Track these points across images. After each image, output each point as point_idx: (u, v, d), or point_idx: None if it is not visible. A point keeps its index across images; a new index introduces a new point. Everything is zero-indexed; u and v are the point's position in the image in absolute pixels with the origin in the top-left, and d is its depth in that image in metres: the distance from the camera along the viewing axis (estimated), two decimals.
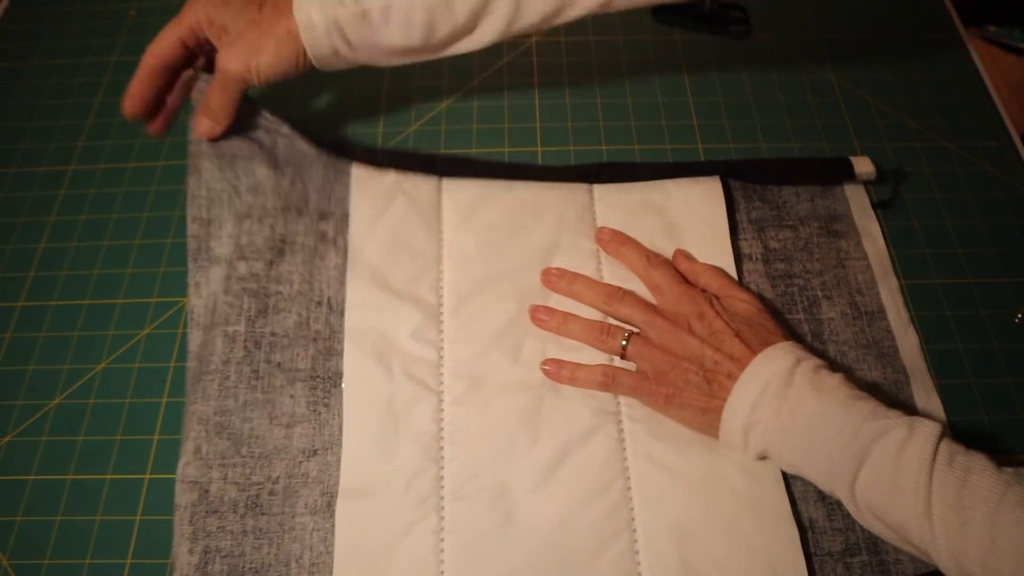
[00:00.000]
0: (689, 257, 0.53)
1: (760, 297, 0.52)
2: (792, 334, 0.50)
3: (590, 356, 0.50)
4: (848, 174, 0.58)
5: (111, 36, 0.72)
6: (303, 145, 0.55)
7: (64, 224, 0.61)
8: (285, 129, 0.55)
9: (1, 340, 0.55)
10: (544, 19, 0.51)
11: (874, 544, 0.45)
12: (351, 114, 0.66)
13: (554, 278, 0.53)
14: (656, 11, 0.72)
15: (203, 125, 0.51)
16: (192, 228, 0.51)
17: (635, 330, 0.50)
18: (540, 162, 0.62)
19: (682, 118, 0.65)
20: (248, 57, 0.49)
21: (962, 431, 0.50)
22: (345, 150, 0.57)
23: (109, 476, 0.50)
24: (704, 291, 0.51)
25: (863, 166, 0.58)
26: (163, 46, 0.51)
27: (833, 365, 0.50)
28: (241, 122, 0.53)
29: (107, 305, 0.56)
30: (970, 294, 0.55)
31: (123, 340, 0.55)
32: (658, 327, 0.49)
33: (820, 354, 0.51)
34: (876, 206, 0.58)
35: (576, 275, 0.53)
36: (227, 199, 0.52)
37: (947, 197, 0.60)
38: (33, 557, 0.47)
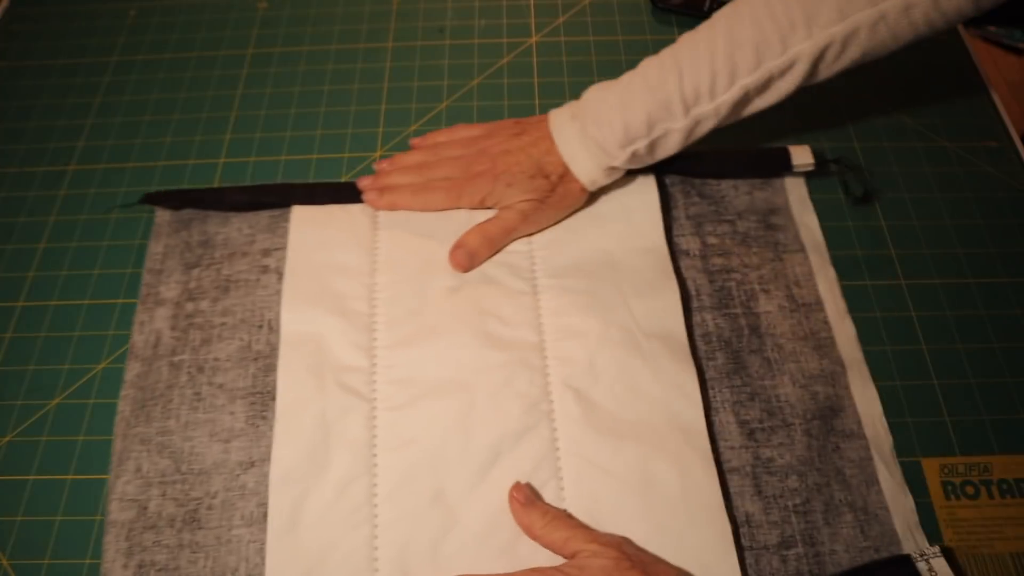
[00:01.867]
0: (525, 501, 0.45)
1: (697, 294, 0.53)
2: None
3: (524, 335, 0.51)
4: (786, 166, 0.58)
5: (111, 36, 0.73)
6: (246, 201, 0.58)
7: (64, 224, 0.61)
8: (235, 192, 0.58)
9: (1, 340, 0.55)
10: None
11: (810, 536, 0.46)
12: (351, 114, 0.66)
13: None
14: (655, 10, 0.72)
15: (464, 258, 0.54)
16: (145, 278, 0.56)
17: None
18: None
19: None
20: (544, 223, 0.55)
21: (963, 431, 0.50)
22: (289, 192, 0.58)
23: (109, 476, 0.50)
24: (541, 571, 0.42)
25: (801, 157, 0.58)
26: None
27: (772, 363, 0.51)
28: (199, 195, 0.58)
29: (107, 305, 0.56)
30: (970, 294, 0.55)
31: (123, 340, 0.55)
32: None
33: (758, 350, 0.51)
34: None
35: None
36: (179, 253, 0.57)
37: (947, 197, 0.60)
38: (33, 557, 0.47)
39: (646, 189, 0.57)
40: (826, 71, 0.51)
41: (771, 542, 0.45)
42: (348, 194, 0.58)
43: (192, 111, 0.67)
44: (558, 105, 0.65)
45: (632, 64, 0.68)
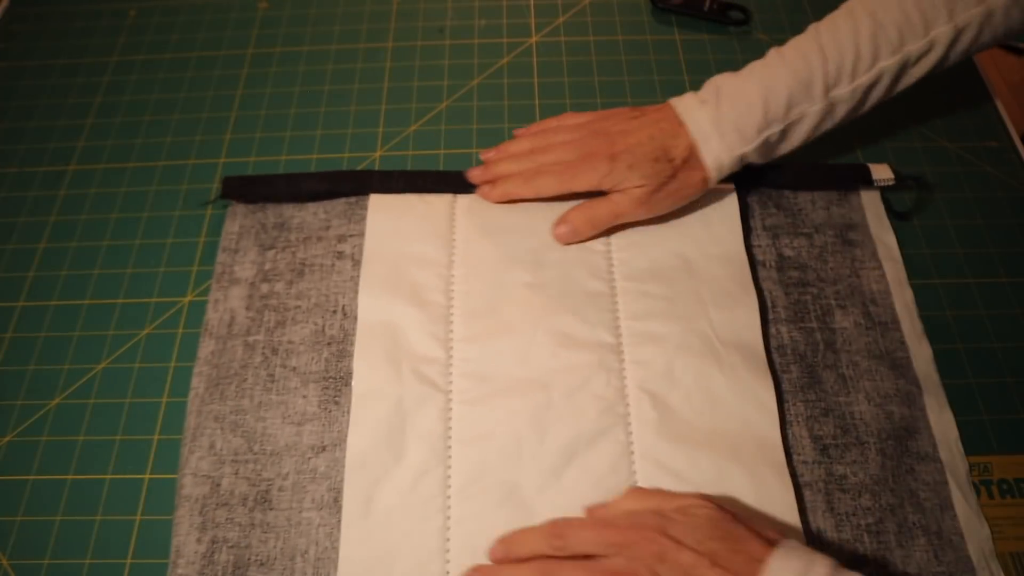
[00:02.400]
0: (602, 505, 0.44)
1: (772, 306, 0.53)
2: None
3: (598, 357, 0.50)
4: (866, 180, 0.57)
5: (111, 36, 0.73)
6: (325, 189, 0.58)
7: (64, 224, 0.61)
8: (311, 179, 0.58)
9: (1, 340, 0.55)
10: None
11: (882, 557, 0.45)
12: (351, 114, 0.66)
13: (500, 554, 0.43)
14: (655, 10, 0.72)
15: (566, 233, 0.54)
16: (220, 256, 0.56)
17: None
18: None
19: None
20: (658, 211, 0.54)
21: (963, 431, 0.50)
22: (366, 179, 0.58)
23: (109, 476, 0.50)
24: (657, 516, 0.40)
25: (881, 173, 0.58)
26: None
27: (848, 380, 0.50)
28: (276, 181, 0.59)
29: (107, 305, 0.56)
30: (970, 294, 0.55)
31: (123, 340, 0.55)
32: None
33: (833, 365, 0.50)
34: (895, 216, 0.58)
35: (521, 534, 0.43)
36: (254, 234, 0.57)
37: (947, 197, 0.60)
38: (33, 557, 0.47)
39: (726, 197, 0.56)
40: (956, 57, 0.52)
41: (842, 560, 0.45)
42: (424, 183, 0.58)
43: (192, 111, 0.67)
44: (558, 105, 0.65)
45: (632, 64, 0.68)
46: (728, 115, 0.51)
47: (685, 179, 0.52)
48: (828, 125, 0.53)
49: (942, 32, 0.50)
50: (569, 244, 0.54)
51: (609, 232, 0.55)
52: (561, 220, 0.54)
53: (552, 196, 0.55)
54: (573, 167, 0.53)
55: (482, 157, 0.58)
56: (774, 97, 0.51)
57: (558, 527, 0.41)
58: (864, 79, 0.51)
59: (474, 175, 0.57)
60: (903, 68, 0.51)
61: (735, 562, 0.37)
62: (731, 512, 0.40)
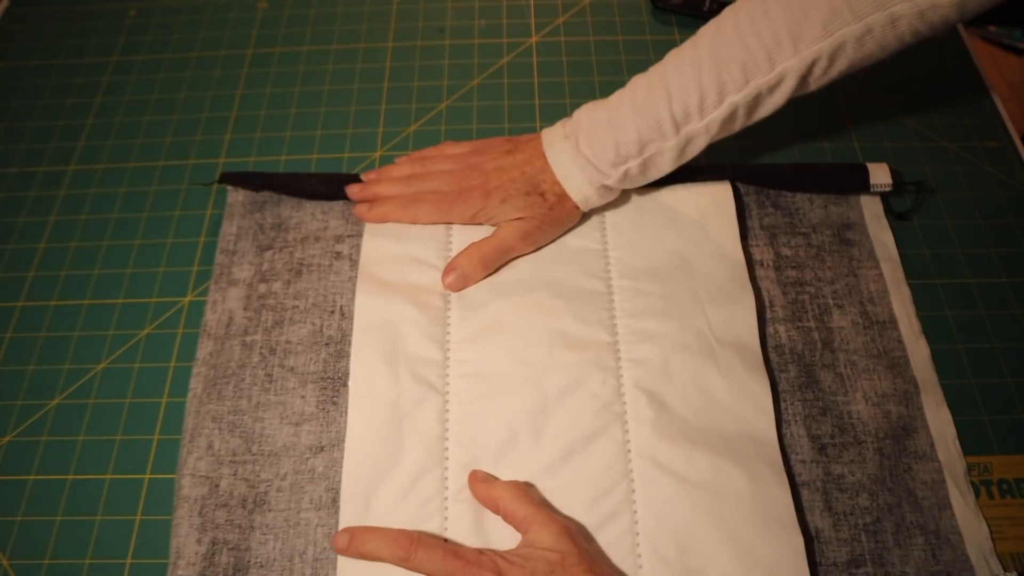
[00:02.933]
0: (485, 479, 0.46)
1: (770, 305, 0.53)
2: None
3: (595, 356, 0.50)
4: (863, 185, 0.57)
5: (111, 36, 0.73)
6: (324, 191, 0.58)
7: (64, 224, 0.61)
8: (313, 179, 0.58)
9: (1, 340, 0.55)
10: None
11: (880, 556, 0.45)
12: (351, 114, 0.66)
13: (342, 544, 0.44)
14: (655, 10, 0.72)
15: (456, 281, 0.53)
16: (218, 258, 0.56)
17: None
18: None
19: None
20: (542, 241, 0.55)
21: (963, 431, 0.50)
22: (352, 184, 0.58)
23: (109, 476, 0.50)
24: (499, 557, 0.41)
25: (880, 177, 0.57)
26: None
27: (845, 379, 0.51)
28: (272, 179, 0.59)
29: (107, 305, 0.56)
30: (970, 294, 0.55)
31: (123, 340, 0.55)
32: None
33: (830, 365, 0.51)
34: (895, 217, 0.58)
35: (365, 533, 0.44)
36: (252, 235, 0.57)
37: (947, 197, 0.60)
38: (33, 557, 0.47)
39: (722, 197, 0.56)
40: (815, 84, 0.50)
41: (840, 559, 0.45)
42: None
43: (192, 111, 0.67)
44: (558, 105, 0.66)
45: (632, 64, 0.68)
46: (584, 151, 0.52)
47: (560, 209, 0.54)
48: (693, 153, 0.52)
49: (789, 65, 0.48)
50: (460, 290, 0.53)
51: (606, 231, 0.55)
52: (449, 268, 0.53)
53: (428, 223, 0.56)
54: (450, 199, 0.55)
55: (362, 177, 0.58)
56: (623, 136, 0.51)
57: (411, 540, 0.42)
58: (715, 114, 0.50)
59: (352, 192, 0.57)
60: (756, 100, 0.50)
61: None
62: (577, 553, 0.41)
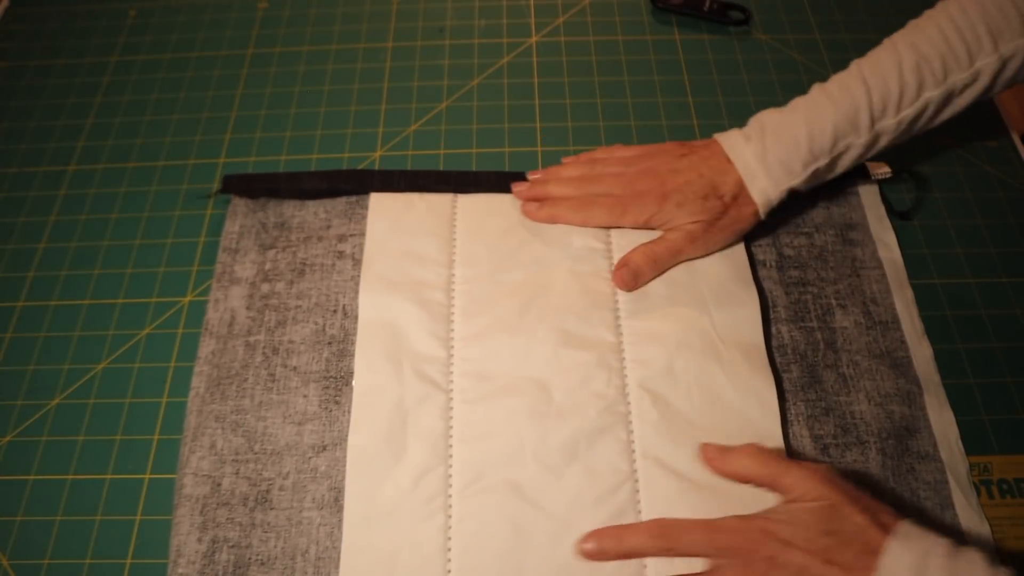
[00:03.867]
0: (718, 453, 0.45)
1: (773, 305, 0.52)
2: (905, 510, 0.44)
3: (599, 355, 0.50)
4: (862, 174, 0.58)
5: (111, 36, 0.73)
6: (325, 187, 0.58)
7: (64, 224, 0.61)
8: (313, 178, 0.58)
9: (1, 340, 0.55)
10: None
11: None
12: (351, 114, 0.66)
13: (593, 548, 0.44)
14: (655, 10, 0.72)
15: (628, 277, 0.52)
16: (221, 256, 0.56)
17: None
18: (540, 162, 0.62)
19: (682, 118, 0.65)
20: (713, 246, 0.54)
21: (962, 431, 0.50)
22: (366, 178, 0.58)
23: (109, 476, 0.50)
24: (764, 520, 0.41)
25: (877, 168, 0.58)
26: None
27: (848, 379, 0.50)
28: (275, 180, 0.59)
29: (107, 305, 0.56)
30: (970, 294, 0.55)
31: (123, 340, 0.55)
32: None
33: (833, 365, 0.50)
34: (896, 216, 0.58)
35: (620, 531, 0.44)
36: (254, 234, 0.57)
37: (947, 197, 0.60)
38: (33, 557, 0.47)
39: None
40: (1001, 86, 0.52)
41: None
42: (425, 182, 0.58)
43: (192, 111, 0.67)
44: (558, 105, 0.66)
45: (632, 64, 0.68)
46: (773, 151, 0.52)
47: (736, 215, 0.53)
48: (872, 153, 0.53)
49: (987, 63, 0.50)
50: (631, 290, 0.53)
51: (610, 231, 0.55)
52: (622, 263, 0.53)
53: (600, 226, 0.55)
54: (624, 202, 0.54)
55: (529, 177, 0.58)
56: (819, 132, 0.51)
57: (665, 527, 0.42)
58: (909, 111, 0.51)
59: (520, 191, 0.57)
60: (948, 98, 0.51)
61: (848, 556, 0.37)
62: (842, 497, 0.39)
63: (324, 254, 0.56)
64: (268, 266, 0.55)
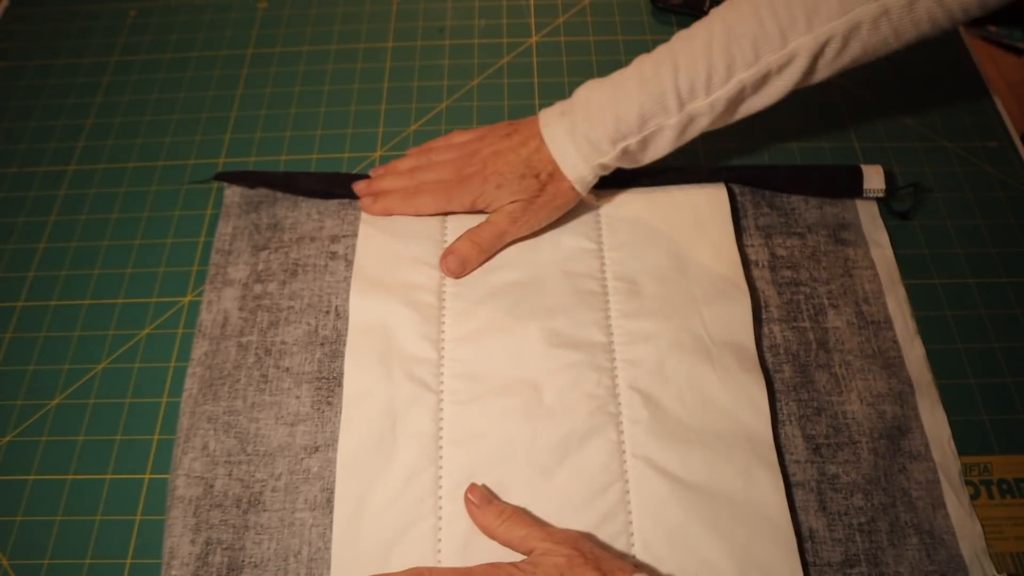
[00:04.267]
0: (480, 502, 0.45)
1: (765, 305, 0.53)
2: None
3: (589, 357, 0.50)
4: (856, 191, 0.57)
5: (111, 36, 0.73)
6: (319, 189, 0.58)
7: (64, 224, 0.61)
8: (309, 178, 0.59)
9: (1, 340, 0.55)
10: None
11: (874, 556, 0.45)
12: (351, 114, 0.66)
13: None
14: (655, 10, 0.72)
15: (454, 264, 0.53)
16: (214, 258, 0.57)
17: None
18: None
19: None
20: (535, 224, 0.54)
21: (962, 431, 0.50)
22: (359, 180, 0.58)
23: (109, 476, 0.50)
24: (511, 566, 0.41)
25: (873, 181, 0.57)
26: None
27: (840, 379, 0.51)
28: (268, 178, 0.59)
29: (107, 305, 0.56)
30: (970, 294, 0.55)
31: (123, 340, 0.55)
32: None
33: (825, 365, 0.51)
34: (896, 216, 0.58)
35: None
36: (247, 235, 0.57)
37: (947, 197, 0.60)
38: (33, 557, 0.47)
39: (717, 197, 0.56)
40: (825, 69, 0.50)
41: (835, 559, 0.45)
42: None
43: (192, 111, 0.67)
44: None
45: None
46: (581, 128, 0.52)
47: (554, 191, 0.53)
48: (694, 133, 0.52)
49: (802, 43, 0.48)
50: (460, 276, 0.53)
51: (601, 231, 0.55)
52: (447, 252, 0.53)
53: (430, 214, 0.56)
54: (449, 187, 0.55)
55: (371, 173, 0.59)
56: (625, 111, 0.50)
57: (420, 573, 0.42)
58: (721, 92, 0.50)
59: (359, 187, 0.57)
60: (764, 79, 0.49)
61: None
62: (583, 553, 0.41)
63: (317, 255, 0.56)
64: (261, 267, 0.55)
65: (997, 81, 0.66)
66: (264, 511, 0.47)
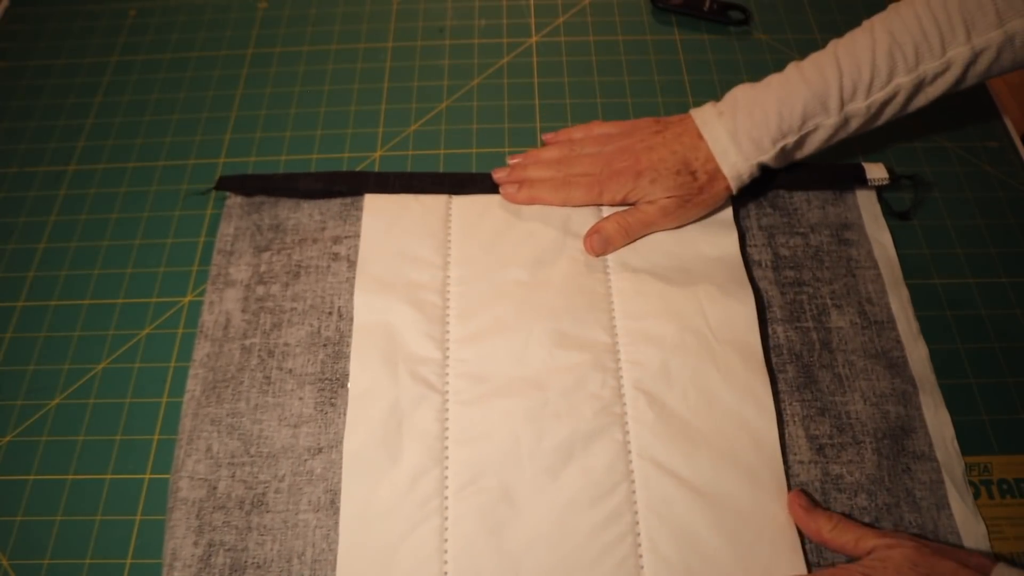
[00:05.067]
0: (807, 507, 0.45)
1: (768, 306, 0.53)
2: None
3: (593, 356, 0.50)
4: (860, 180, 0.58)
5: (111, 36, 0.73)
6: (320, 188, 0.58)
7: (64, 224, 0.61)
8: (308, 179, 0.58)
9: (1, 340, 0.55)
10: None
11: None
12: (351, 114, 0.66)
13: None
14: (655, 10, 0.72)
15: (598, 243, 0.54)
16: (216, 259, 0.57)
17: None
18: None
19: None
20: (684, 221, 0.56)
21: (962, 431, 0.50)
22: (361, 180, 0.58)
23: (109, 476, 0.50)
24: (860, 566, 0.42)
25: (876, 172, 0.58)
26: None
27: (843, 379, 0.51)
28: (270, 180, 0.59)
29: (107, 305, 0.56)
30: (970, 294, 0.55)
31: (123, 340, 0.55)
32: None
33: (829, 365, 0.51)
34: (896, 216, 0.58)
35: None
36: (249, 236, 0.57)
37: (947, 197, 0.60)
38: (33, 557, 0.47)
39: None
40: (973, 78, 0.52)
41: (838, 560, 0.45)
42: (420, 184, 0.58)
43: (192, 111, 0.67)
44: (558, 105, 0.66)
45: (632, 64, 0.68)
46: (744, 126, 0.53)
47: (709, 189, 0.54)
48: (842, 136, 0.54)
49: (959, 52, 0.50)
50: (600, 255, 0.54)
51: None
52: (594, 230, 0.54)
53: (579, 206, 0.56)
54: (600, 181, 0.55)
55: (509, 160, 0.59)
56: (788, 110, 0.52)
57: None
58: (879, 95, 0.52)
59: (499, 175, 0.58)
60: (919, 86, 0.52)
61: None
62: (928, 545, 0.41)
63: (319, 256, 0.56)
64: (263, 268, 0.56)
65: (997, 82, 0.66)
66: (267, 512, 0.47)
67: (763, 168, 0.54)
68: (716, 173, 0.54)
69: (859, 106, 0.52)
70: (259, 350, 0.52)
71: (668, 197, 0.54)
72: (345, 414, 0.49)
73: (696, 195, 0.54)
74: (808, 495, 0.47)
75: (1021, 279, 0.56)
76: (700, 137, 0.54)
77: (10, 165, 0.64)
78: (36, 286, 0.58)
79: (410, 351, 0.51)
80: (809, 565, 0.44)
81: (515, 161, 0.59)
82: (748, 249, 0.56)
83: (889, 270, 0.55)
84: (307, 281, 0.55)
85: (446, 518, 0.46)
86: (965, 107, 0.65)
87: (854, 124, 0.53)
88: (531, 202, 0.57)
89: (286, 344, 0.52)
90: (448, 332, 0.52)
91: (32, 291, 0.57)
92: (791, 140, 0.53)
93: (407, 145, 0.63)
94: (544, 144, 0.61)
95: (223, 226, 0.58)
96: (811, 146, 0.54)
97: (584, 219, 0.56)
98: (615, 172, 0.55)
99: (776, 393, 0.50)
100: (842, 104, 0.52)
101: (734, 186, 0.54)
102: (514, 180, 0.57)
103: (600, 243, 0.54)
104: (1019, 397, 0.51)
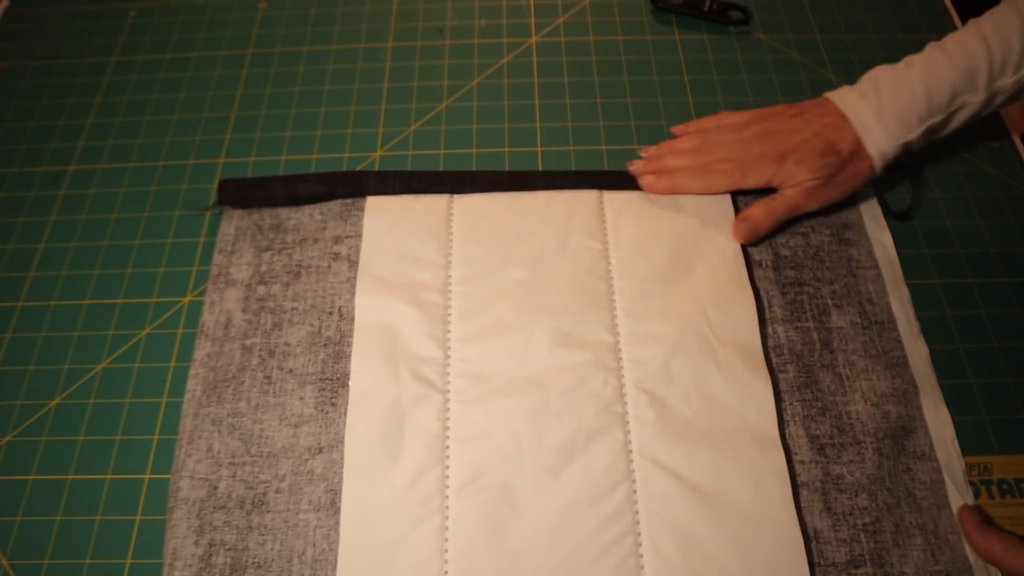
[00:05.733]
0: (979, 526, 0.46)
1: (768, 305, 0.53)
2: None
3: (594, 355, 0.50)
4: None
5: (111, 36, 0.73)
6: (321, 192, 0.58)
7: (64, 224, 0.61)
8: (308, 182, 0.58)
9: (1, 340, 0.55)
10: None
11: (879, 556, 0.45)
12: (351, 114, 0.66)
13: None
14: (655, 10, 0.72)
15: (747, 230, 0.55)
16: (216, 258, 0.56)
17: None
18: (540, 162, 0.62)
19: (682, 118, 0.64)
20: (829, 200, 0.56)
21: (963, 431, 0.50)
22: (361, 180, 0.58)
23: (109, 476, 0.50)
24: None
25: None
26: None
27: (844, 379, 0.51)
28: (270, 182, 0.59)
29: (107, 305, 0.56)
30: (970, 294, 0.55)
31: (123, 340, 0.55)
32: None
33: (829, 365, 0.51)
34: (896, 216, 0.58)
35: None
36: (250, 235, 0.57)
37: (947, 197, 0.60)
38: (33, 557, 0.47)
39: (721, 197, 0.57)
40: None
41: (839, 560, 0.45)
42: (421, 183, 0.58)
43: (192, 111, 0.67)
44: (558, 105, 0.66)
45: (632, 64, 0.68)
46: (890, 106, 0.53)
47: (853, 169, 0.54)
48: (986, 112, 0.54)
49: None
50: (749, 242, 0.55)
51: (606, 231, 0.55)
52: (741, 218, 0.55)
53: (722, 192, 0.57)
54: (743, 166, 0.55)
55: (643, 153, 0.59)
56: (937, 88, 0.52)
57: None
58: None
59: (636, 167, 0.58)
60: None
61: None
62: None
63: (320, 256, 0.56)
64: (264, 268, 0.56)
65: None
66: (268, 512, 0.47)
67: (906, 149, 0.54)
68: (861, 153, 0.54)
69: (1007, 81, 0.52)
70: (260, 350, 0.52)
71: (813, 179, 0.54)
72: (346, 414, 0.49)
73: (839, 174, 0.54)
74: (983, 512, 0.46)
75: (1021, 279, 0.56)
76: (843, 118, 0.54)
77: (10, 165, 0.64)
78: (36, 286, 0.58)
79: (411, 350, 0.51)
80: (810, 565, 0.44)
81: (650, 152, 0.59)
82: (749, 249, 0.56)
83: (889, 270, 0.55)
84: (308, 281, 0.55)
85: (447, 517, 0.46)
86: None
87: (1000, 99, 0.53)
88: (672, 191, 0.57)
89: (287, 344, 0.52)
90: (450, 331, 0.52)
91: (32, 291, 0.57)
92: (938, 119, 0.53)
93: (407, 145, 0.63)
94: (672, 135, 0.60)
95: (224, 226, 0.58)
96: (956, 123, 0.54)
97: (585, 219, 0.56)
98: (757, 156, 0.55)
99: (777, 393, 0.50)
100: (991, 80, 0.52)
101: (879, 165, 0.54)
102: (651, 170, 0.57)
103: (749, 229, 0.54)
104: (1019, 397, 0.51)
